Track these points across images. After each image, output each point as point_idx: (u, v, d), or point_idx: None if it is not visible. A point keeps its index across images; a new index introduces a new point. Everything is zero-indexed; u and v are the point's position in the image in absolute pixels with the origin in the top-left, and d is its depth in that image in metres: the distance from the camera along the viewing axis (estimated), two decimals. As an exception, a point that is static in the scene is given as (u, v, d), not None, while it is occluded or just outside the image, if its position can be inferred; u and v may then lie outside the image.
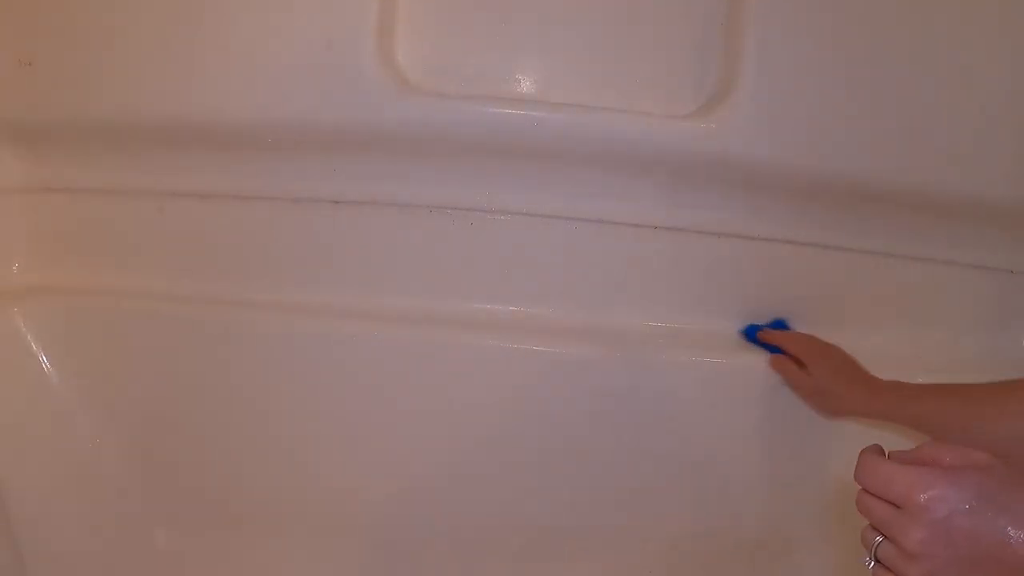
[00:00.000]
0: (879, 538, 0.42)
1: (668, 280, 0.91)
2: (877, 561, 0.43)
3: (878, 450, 0.45)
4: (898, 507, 0.41)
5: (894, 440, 0.73)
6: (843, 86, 0.81)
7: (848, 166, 0.84)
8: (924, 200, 0.87)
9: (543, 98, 0.83)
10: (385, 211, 0.88)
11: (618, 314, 0.91)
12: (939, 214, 0.90)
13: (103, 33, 0.81)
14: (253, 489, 0.93)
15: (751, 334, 0.91)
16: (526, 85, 0.84)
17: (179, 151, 0.87)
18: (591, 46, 0.83)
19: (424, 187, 0.87)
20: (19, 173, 0.89)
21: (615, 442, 0.91)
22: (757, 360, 0.88)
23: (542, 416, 0.90)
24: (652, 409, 0.89)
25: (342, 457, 0.92)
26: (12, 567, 0.76)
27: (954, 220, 0.90)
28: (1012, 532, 0.38)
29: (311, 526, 0.94)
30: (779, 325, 0.92)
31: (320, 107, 0.81)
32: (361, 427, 0.91)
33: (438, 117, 0.81)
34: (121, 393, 0.90)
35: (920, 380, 0.77)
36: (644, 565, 0.95)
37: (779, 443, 0.90)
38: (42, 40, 0.82)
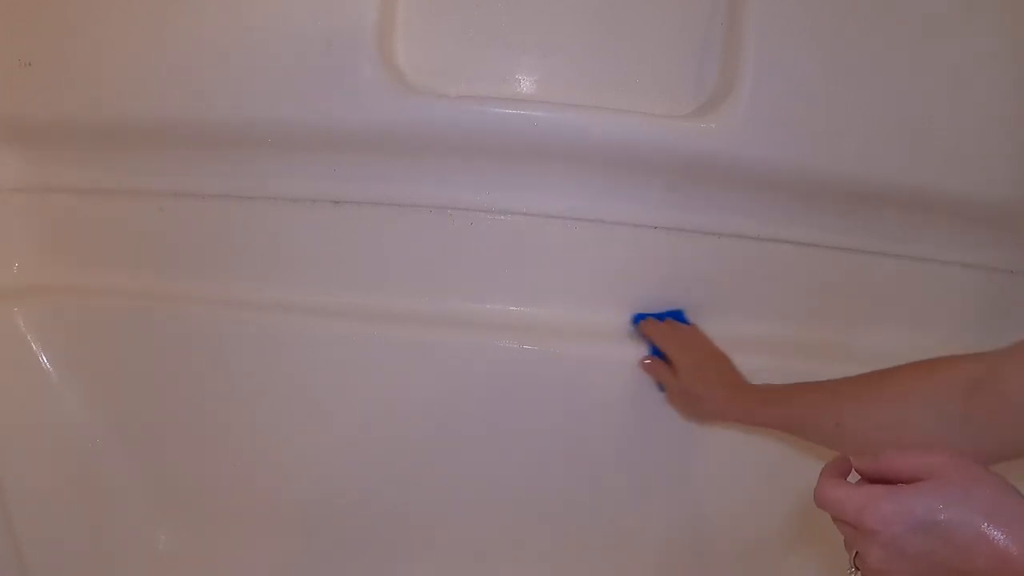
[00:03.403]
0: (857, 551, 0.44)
1: (668, 280, 0.91)
2: (857, 569, 0.45)
3: (838, 467, 0.46)
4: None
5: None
6: (843, 86, 0.81)
7: (847, 166, 0.84)
8: (924, 200, 0.87)
9: (543, 98, 0.83)
10: (385, 211, 0.88)
11: (618, 314, 0.91)
12: (939, 214, 0.90)
13: (103, 33, 0.81)
14: (253, 489, 0.93)
15: (636, 322, 0.89)
16: (526, 85, 0.84)
17: (179, 151, 0.87)
18: (591, 46, 0.83)
19: (424, 187, 0.87)
20: (19, 173, 0.89)
21: (613, 442, 0.91)
22: (760, 360, 0.88)
23: (542, 416, 0.90)
24: (651, 409, 0.89)
25: (342, 457, 0.92)
26: (12, 567, 0.76)
27: (954, 220, 0.90)
28: (962, 545, 0.39)
29: (312, 526, 0.94)
30: (675, 316, 0.88)
31: (320, 107, 0.81)
32: (361, 427, 0.91)
33: (438, 117, 0.81)
34: (121, 393, 0.90)
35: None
36: (639, 565, 0.95)
37: (776, 444, 0.90)
38: (42, 40, 0.82)
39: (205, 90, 0.81)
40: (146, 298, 0.89)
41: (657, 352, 0.86)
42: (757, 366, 0.88)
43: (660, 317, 0.89)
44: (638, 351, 0.88)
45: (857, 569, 0.45)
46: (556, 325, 0.90)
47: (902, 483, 0.42)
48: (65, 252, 0.92)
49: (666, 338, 0.84)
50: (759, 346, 0.91)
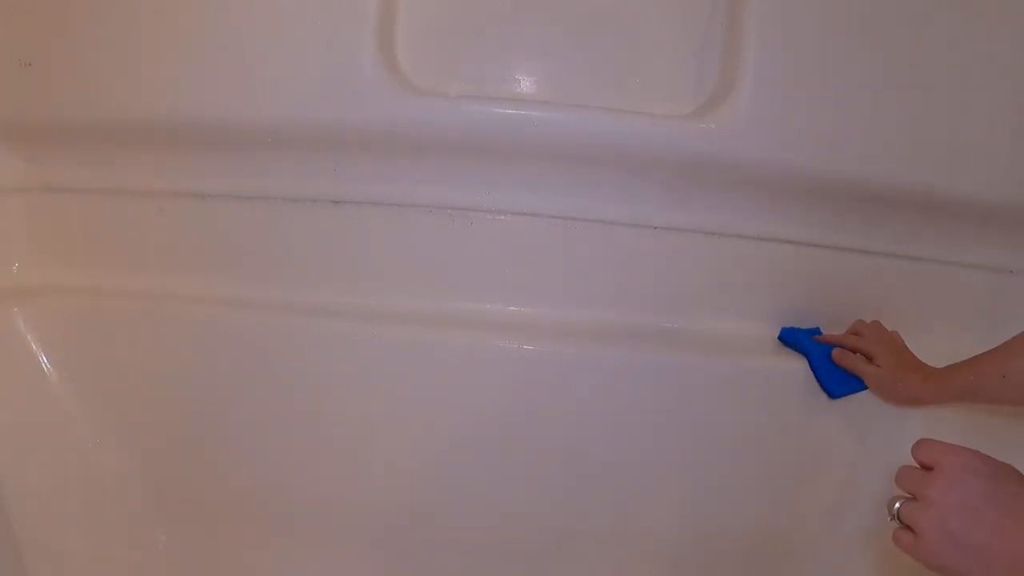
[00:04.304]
0: (901, 502, 0.52)
1: (668, 280, 0.91)
2: (898, 519, 0.52)
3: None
4: (931, 470, 0.50)
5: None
6: (843, 86, 0.81)
7: (847, 166, 0.84)
8: (924, 200, 0.87)
9: (543, 98, 0.83)
10: (385, 211, 0.88)
11: (618, 314, 0.91)
12: (939, 214, 0.90)
13: (103, 33, 0.81)
14: (253, 489, 0.93)
15: (790, 338, 0.91)
16: (526, 85, 0.84)
17: (179, 151, 0.87)
18: (591, 46, 0.83)
19: (424, 187, 0.87)
20: (19, 173, 0.90)
21: (615, 443, 0.91)
22: (759, 361, 0.88)
23: (543, 417, 0.90)
24: (652, 409, 0.89)
25: (342, 457, 0.92)
26: (12, 567, 0.76)
27: (954, 220, 0.90)
28: (1008, 509, 0.47)
29: (311, 526, 0.94)
30: (814, 332, 0.91)
31: (320, 107, 0.81)
32: (361, 427, 0.91)
33: (438, 117, 0.81)
34: (121, 393, 0.90)
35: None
36: (645, 566, 0.95)
37: (779, 445, 0.90)
38: (42, 40, 0.82)
39: (205, 90, 0.81)
40: (146, 298, 0.89)
41: (817, 362, 0.87)
42: (758, 368, 0.89)
43: (806, 332, 0.91)
44: (638, 351, 0.88)
45: (897, 519, 0.52)
46: (556, 325, 0.90)
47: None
48: (65, 252, 0.92)
49: (863, 334, 0.88)
50: (760, 347, 0.91)
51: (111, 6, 0.81)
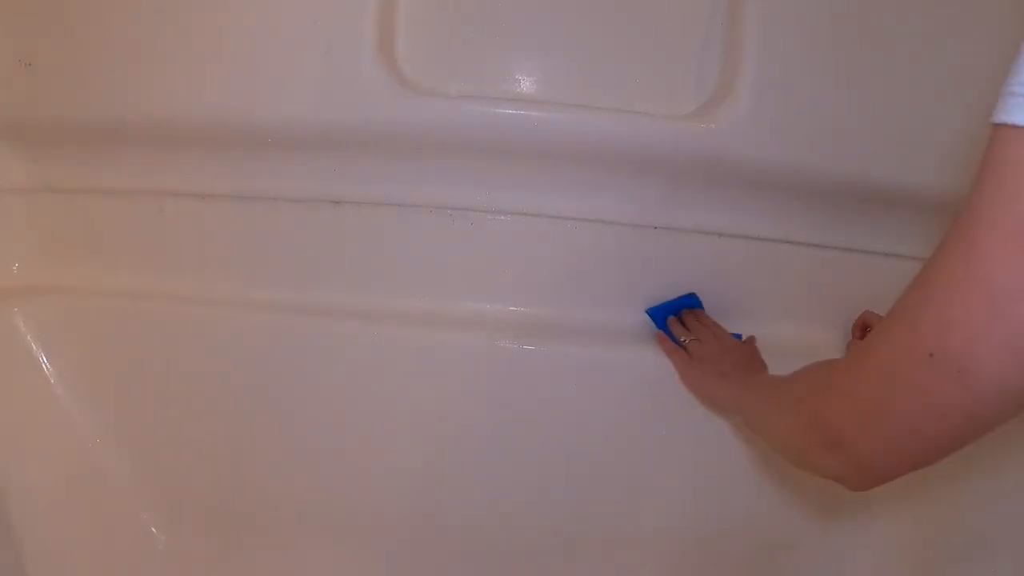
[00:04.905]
0: (690, 339, 0.84)
1: (668, 280, 0.91)
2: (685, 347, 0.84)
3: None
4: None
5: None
6: (843, 86, 0.81)
7: (848, 166, 0.84)
8: (923, 200, 0.87)
9: (543, 98, 0.83)
10: (385, 211, 0.88)
11: (618, 313, 0.91)
12: (939, 214, 0.90)
13: (103, 33, 0.81)
14: (253, 489, 0.93)
15: (656, 316, 0.89)
16: (526, 85, 0.84)
17: (179, 151, 0.87)
18: (591, 46, 0.83)
19: (424, 187, 0.87)
20: (19, 173, 0.89)
21: (616, 442, 0.91)
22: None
23: (543, 416, 0.90)
24: (653, 409, 0.89)
25: (342, 457, 0.92)
26: (12, 567, 0.76)
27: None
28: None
29: (311, 526, 0.94)
30: (689, 300, 0.90)
31: (320, 107, 0.81)
32: (361, 427, 0.91)
33: (438, 117, 0.81)
34: (121, 393, 0.90)
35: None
36: (646, 566, 0.95)
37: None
38: (42, 40, 0.82)
39: (205, 90, 0.81)
40: (146, 298, 0.89)
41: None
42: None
43: (674, 305, 0.90)
44: (638, 351, 0.88)
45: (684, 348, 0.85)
46: (556, 325, 0.90)
47: None
48: (65, 252, 0.92)
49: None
50: (759, 347, 0.91)
51: (111, 6, 0.81)
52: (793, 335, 0.93)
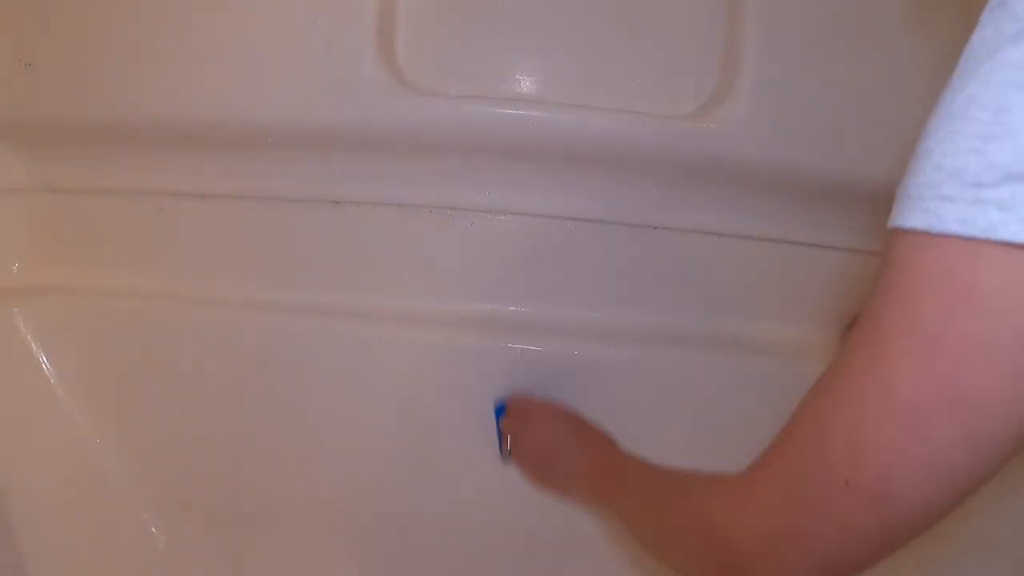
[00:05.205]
0: (509, 438, 0.84)
1: (668, 280, 0.91)
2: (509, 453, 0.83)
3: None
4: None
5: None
6: (843, 86, 0.81)
7: (848, 166, 0.84)
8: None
9: (543, 98, 0.83)
10: (385, 211, 0.88)
11: (618, 314, 0.91)
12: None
13: (103, 33, 0.81)
14: (254, 489, 0.93)
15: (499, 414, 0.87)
16: (526, 85, 0.84)
17: (179, 151, 0.87)
18: (591, 46, 0.83)
19: (424, 187, 0.87)
20: (19, 173, 0.89)
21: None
22: (761, 361, 0.88)
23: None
24: (653, 408, 0.89)
25: (342, 457, 0.92)
26: (12, 567, 0.76)
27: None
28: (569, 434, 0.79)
29: (311, 525, 0.94)
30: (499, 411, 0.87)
31: (320, 107, 0.81)
32: (361, 427, 0.91)
33: (438, 117, 0.81)
34: (121, 393, 0.90)
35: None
36: (643, 564, 0.95)
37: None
38: (42, 40, 0.82)
39: (205, 90, 0.81)
40: (146, 298, 0.89)
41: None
42: (758, 367, 0.89)
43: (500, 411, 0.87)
44: (638, 351, 0.88)
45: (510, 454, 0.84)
46: (556, 325, 0.90)
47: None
48: (65, 252, 0.92)
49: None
50: (760, 347, 0.91)
51: (111, 6, 0.81)
52: (793, 335, 0.93)
